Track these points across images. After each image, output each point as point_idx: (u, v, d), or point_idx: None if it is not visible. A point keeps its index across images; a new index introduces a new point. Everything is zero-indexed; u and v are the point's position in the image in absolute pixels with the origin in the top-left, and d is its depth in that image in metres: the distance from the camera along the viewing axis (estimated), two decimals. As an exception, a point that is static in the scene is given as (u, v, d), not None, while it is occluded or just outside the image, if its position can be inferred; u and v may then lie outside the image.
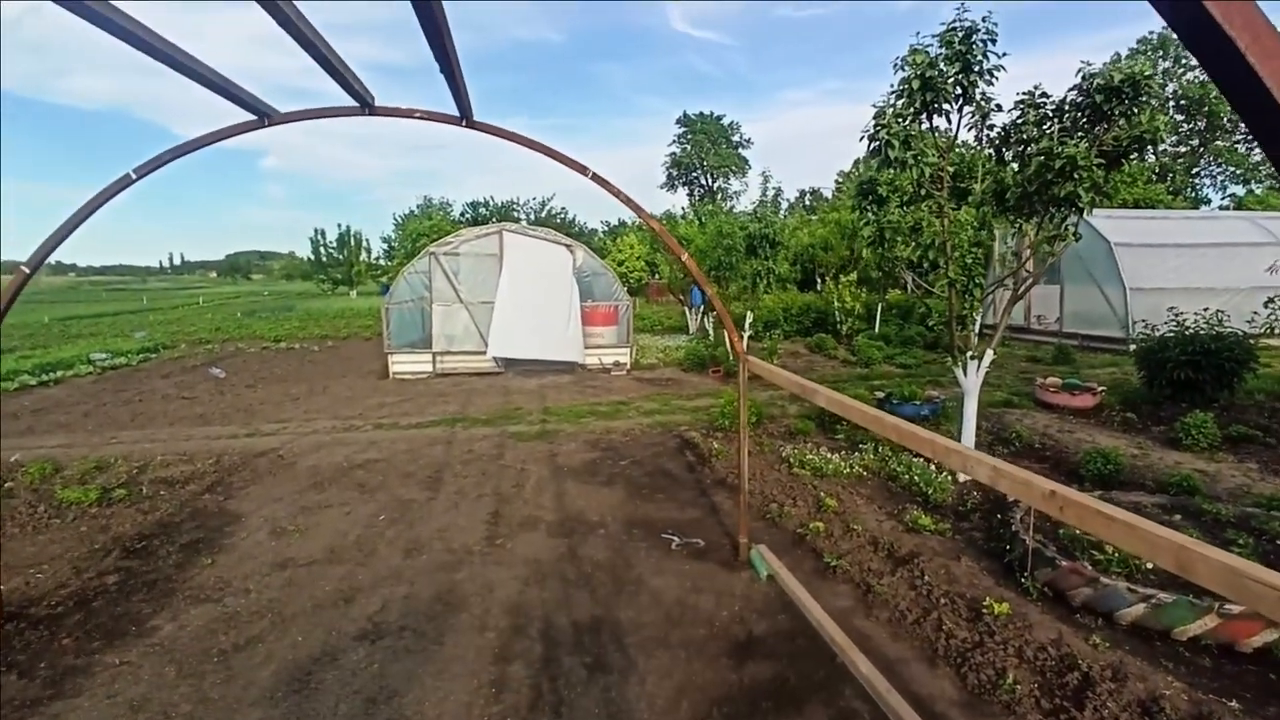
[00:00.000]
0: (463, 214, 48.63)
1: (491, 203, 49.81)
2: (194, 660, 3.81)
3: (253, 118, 4.01)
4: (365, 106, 4.09)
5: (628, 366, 13.80)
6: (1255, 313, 8.61)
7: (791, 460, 6.96)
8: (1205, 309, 9.73)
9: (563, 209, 52.00)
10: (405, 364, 13.29)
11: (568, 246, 13.75)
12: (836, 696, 3.36)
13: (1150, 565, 4.10)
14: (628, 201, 4.55)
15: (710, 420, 8.91)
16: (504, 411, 10.05)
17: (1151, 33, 40.37)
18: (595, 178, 4.52)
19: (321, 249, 54.07)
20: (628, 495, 6.35)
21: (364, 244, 54.85)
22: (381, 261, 53.31)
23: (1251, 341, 8.88)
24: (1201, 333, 9.02)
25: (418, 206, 50.31)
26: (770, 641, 3.89)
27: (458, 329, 13.49)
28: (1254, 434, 7.65)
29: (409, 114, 4.41)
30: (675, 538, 5.36)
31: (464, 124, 4.34)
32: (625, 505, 6.10)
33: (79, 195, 4.94)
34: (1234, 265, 15.08)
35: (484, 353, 13.25)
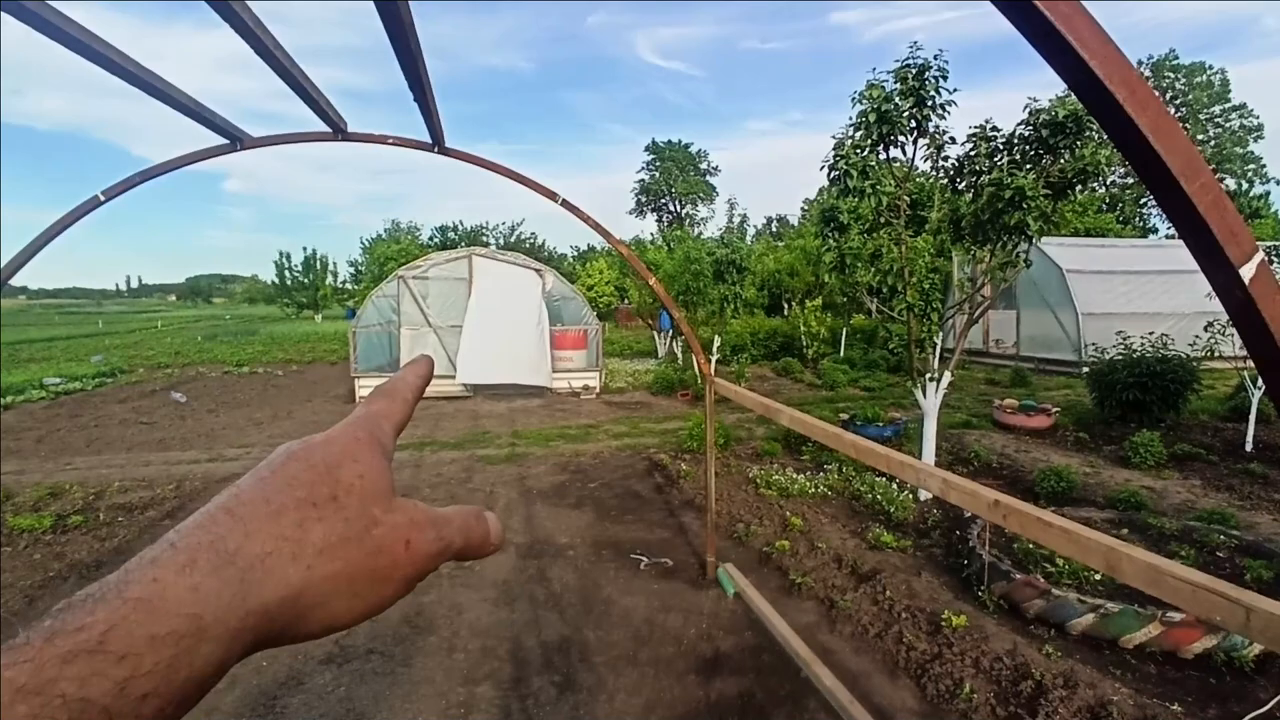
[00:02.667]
0: (431, 238, 48.54)
1: (461, 227, 49.83)
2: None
3: (224, 141, 4.05)
4: (338, 132, 4.16)
5: (597, 390, 13.86)
6: (1197, 336, 8.99)
7: (758, 481, 7.06)
8: (1151, 333, 10.14)
9: (532, 234, 52.25)
10: (372, 388, 13.14)
11: (537, 271, 13.83)
12: (801, 710, 3.43)
13: (1099, 576, 4.26)
14: (596, 226, 4.66)
15: (679, 443, 8.99)
16: (473, 435, 10.03)
17: (1099, 70, 42.07)
18: (565, 203, 4.62)
19: (286, 272, 53.46)
20: (597, 517, 6.38)
21: (330, 268, 54.34)
22: (348, 285, 52.83)
23: (1194, 364, 9.26)
24: (1148, 356, 9.40)
25: (385, 230, 50.12)
26: (737, 658, 3.96)
27: (425, 353, 13.42)
28: (1197, 452, 7.97)
29: (381, 140, 4.48)
30: (644, 558, 5.42)
31: (436, 150, 4.43)
32: (594, 527, 6.14)
33: (37, 218, 4.90)
34: (1178, 291, 15.71)
35: (453, 377, 13.21)
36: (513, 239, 50.58)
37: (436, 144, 4.37)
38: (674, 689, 3.65)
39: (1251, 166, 41.71)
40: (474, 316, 13.09)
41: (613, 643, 4.15)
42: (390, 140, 4.49)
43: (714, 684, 3.70)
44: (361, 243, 50.07)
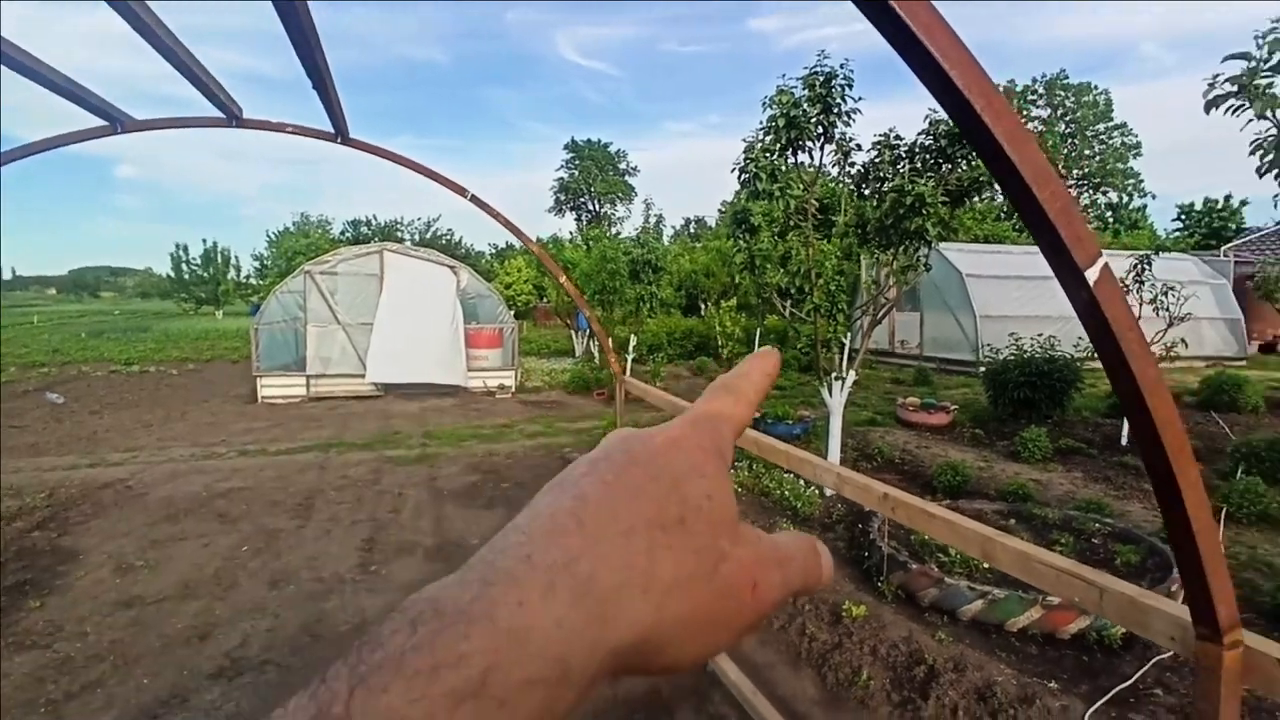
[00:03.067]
0: (343, 233, 46.76)
1: (374, 221, 48.23)
2: (17, 713, 3.45)
3: (103, 123, 3.77)
4: (231, 118, 3.93)
5: (513, 389, 13.69)
6: (1080, 338, 9.66)
7: (672, 479, 7.13)
8: (1040, 335, 10.81)
9: (449, 230, 51.08)
10: (276, 388, 12.57)
11: (452, 268, 13.54)
12: (706, 703, 3.48)
13: (986, 565, 4.50)
14: (506, 223, 4.59)
15: (593, 441, 8.93)
16: (382, 436, 9.72)
17: (1000, 84, 44.61)
18: (474, 199, 4.53)
19: (184, 265, 50.36)
20: (509, 517, 6.21)
21: (232, 261, 51.54)
22: (252, 280, 50.23)
23: (1078, 364, 9.94)
24: (1037, 356, 10.02)
25: (294, 223, 47.93)
26: (646, 655, 3.97)
27: (334, 351, 12.93)
28: (1080, 446, 8.55)
29: (280, 128, 4.27)
30: (556, 558, 5.37)
31: (339, 141, 4.25)
32: (506, 528, 6.04)
33: (-113, 198, 4.46)
34: (1065, 296, 16.81)
35: (362, 376, 12.77)
36: (428, 235, 49.32)
37: (339, 134, 4.19)
38: (582, 689, 3.63)
39: (1131, 181, 45.09)
40: (385, 314, 12.70)
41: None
42: (289, 129, 4.28)
43: (621, 681, 3.70)
44: (268, 236, 47.72)
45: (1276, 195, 3.02)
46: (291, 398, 12.54)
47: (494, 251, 47.44)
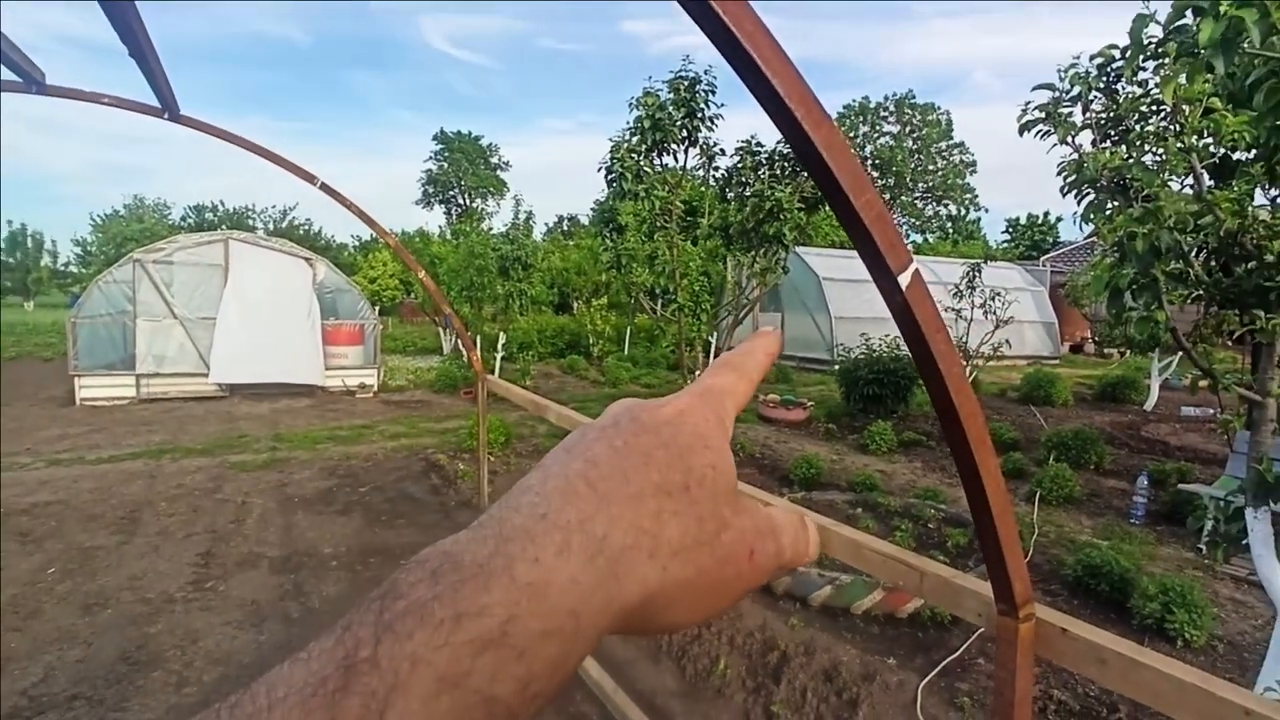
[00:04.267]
0: (184, 219, 42.87)
1: (221, 208, 44.56)
2: None
3: None
4: (30, 83, 3.48)
5: (375, 388, 13.06)
6: (921, 339, 10.51)
7: (539, 478, 7.06)
8: (887, 335, 11.62)
9: (307, 220, 47.99)
10: (98, 388, 11.28)
11: (307, 260, 12.72)
12: (568, 703, 3.46)
13: (836, 552, 4.78)
14: (360, 214, 4.36)
15: (458, 442, 8.73)
16: (225, 440, 8.97)
17: (855, 100, 47.74)
18: (324, 187, 4.27)
19: (-16, 250, 44.27)
20: (366, 523, 5.99)
21: (47, 246, 45.90)
22: (73, 269, 44.99)
23: (919, 362, 10.77)
24: (885, 355, 10.77)
25: (126, 207, 43.37)
26: (508, 659, 3.90)
27: (170, 348, 11.78)
28: (920, 439, 9.27)
29: (95, 98, 3.84)
30: (416, 564, 5.17)
31: (166, 116, 3.88)
32: (363, 534, 5.75)
33: None
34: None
35: (205, 375, 11.73)
36: (284, 225, 46.15)
37: (167, 109, 3.82)
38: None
39: (969, 196, 49.45)
40: (231, 308, 11.73)
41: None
42: (106, 100, 3.85)
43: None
44: (93, 219, 42.82)
45: (1075, 213, 3.39)
46: (118, 399, 11.31)
47: (358, 244, 45.10)
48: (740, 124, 6.98)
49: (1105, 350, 21.73)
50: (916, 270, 1.04)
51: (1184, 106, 2.99)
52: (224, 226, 40.47)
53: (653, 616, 0.28)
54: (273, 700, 0.20)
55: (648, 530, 0.27)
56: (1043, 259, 29.17)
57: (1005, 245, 41.67)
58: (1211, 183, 3.44)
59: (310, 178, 4.27)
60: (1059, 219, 41.63)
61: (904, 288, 1.03)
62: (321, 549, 5.43)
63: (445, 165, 55.02)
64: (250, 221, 44.78)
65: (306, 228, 47.18)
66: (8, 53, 3.20)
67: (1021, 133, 3.46)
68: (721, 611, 0.32)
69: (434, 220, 55.36)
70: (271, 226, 45.47)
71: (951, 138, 49.68)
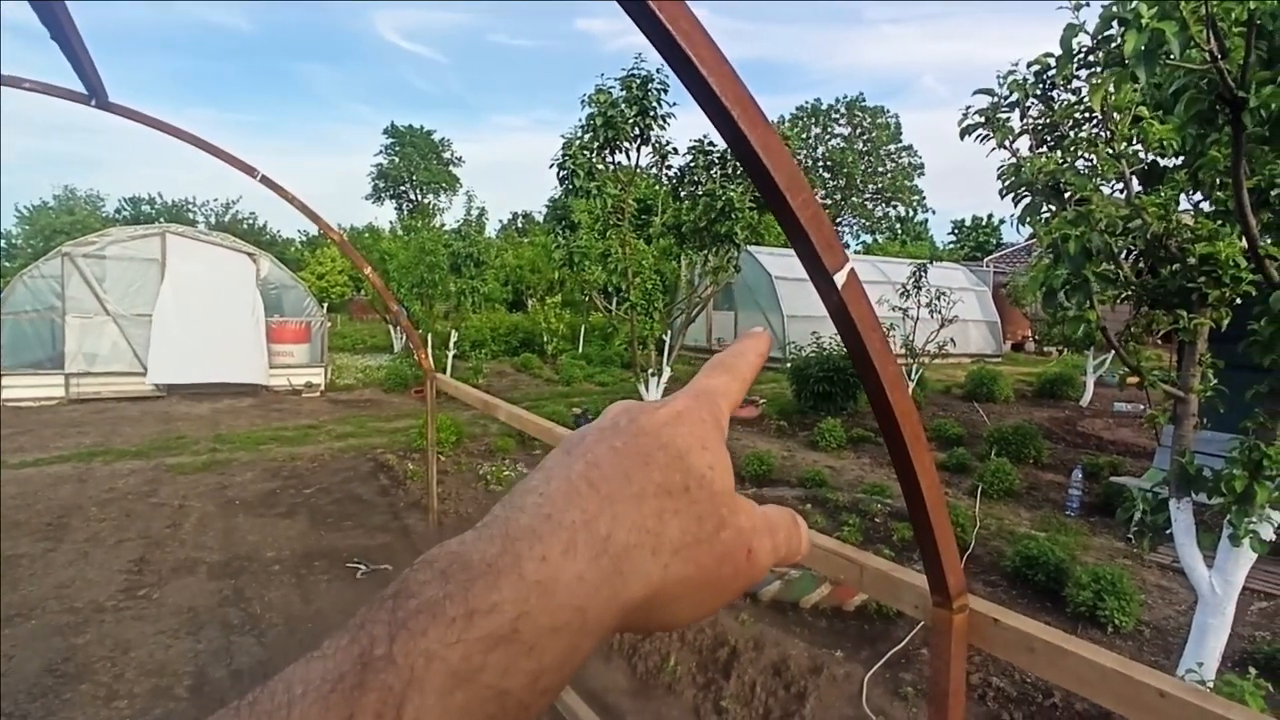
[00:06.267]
0: (119, 211, 41.12)
1: (160, 201, 42.86)
2: None
3: None
4: (-58, 65, 3.29)
5: (321, 387, 12.74)
6: (869, 337, 10.73)
7: (489, 477, 6.99)
8: (837, 333, 11.83)
9: (251, 214, 46.53)
10: (23, 389, 10.72)
11: (250, 255, 12.34)
12: (518, 705, 3.44)
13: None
14: (303, 208, 4.24)
15: (408, 441, 8.57)
16: (162, 441, 8.64)
17: (807, 102, 48.41)
18: (265, 180, 4.14)
19: (-106, 240, 41.76)
20: (311, 525, 5.84)
21: (-34, 239, 43.52)
22: (-3, 262, 42.77)
23: (867, 360, 10.99)
24: (835, 353, 10.96)
25: (55, 198, 41.36)
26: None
27: (103, 347, 11.29)
28: (868, 435, 9.46)
29: (14, 83, 3.64)
30: (362, 565, 5.06)
31: (94, 104, 3.71)
32: (307, 536, 5.61)
33: None
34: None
35: (141, 374, 11.28)
36: (226, 219, 44.65)
37: (94, 96, 3.65)
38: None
39: (917, 197, 50.65)
40: (169, 305, 11.31)
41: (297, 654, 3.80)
42: (28, 85, 3.66)
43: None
44: (19, 211, 40.73)
45: (1012, 214, 3.50)
46: (45, 400, 10.80)
47: (305, 239, 43.91)
48: (692, 123, 7.00)
49: (1045, 348, 22.51)
50: (852, 270, 1.05)
51: (1114, 114, 3.11)
52: (162, 220, 38.93)
53: (655, 613, 0.29)
54: (292, 697, 0.21)
55: (650, 529, 0.28)
56: (986, 260, 30.08)
57: (951, 246, 42.83)
58: (1140, 188, 3.59)
59: (250, 170, 4.13)
60: (1001, 221, 42.96)
61: (840, 287, 1.04)
62: (264, 553, 5.28)
63: (396, 160, 53.95)
64: (190, 215, 43.19)
65: (250, 222, 45.75)
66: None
67: (963, 136, 3.55)
68: (718, 608, 0.32)
69: (384, 216, 54.27)
70: (213, 220, 43.92)
71: (900, 140, 50.82)
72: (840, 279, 1.06)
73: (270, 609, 4.40)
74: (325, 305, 14.10)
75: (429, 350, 4.31)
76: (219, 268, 11.85)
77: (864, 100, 50.31)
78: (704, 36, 0.88)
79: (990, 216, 43.04)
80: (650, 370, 6.68)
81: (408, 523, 5.98)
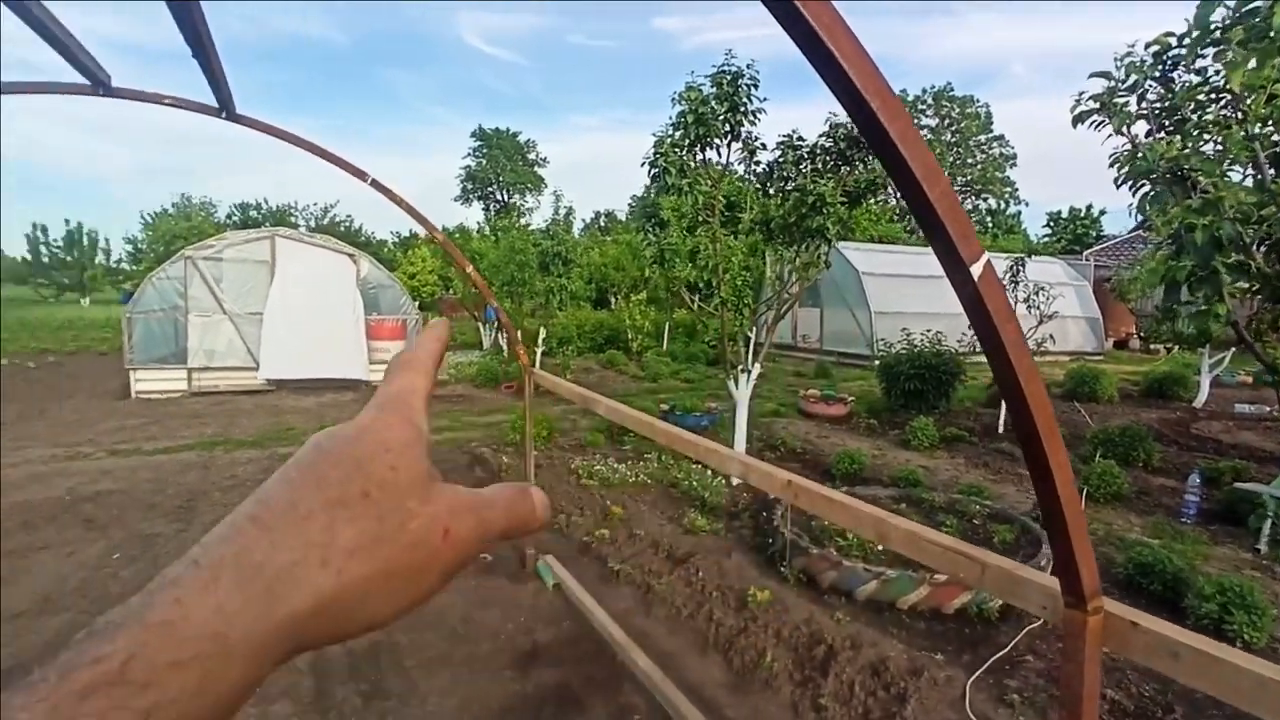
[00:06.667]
0: (229, 216, 43.98)
1: (265, 206, 45.62)
2: None
3: (-54, 87, 3.39)
4: (99, 85, 3.62)
5: (417, 383, 13.27)
6: (964, 334, 10.33)
7: (580, 472, 7.13)
8: (929, 330, 11.47)
9: (348, 217, 48.89)
10: (152, 382, 11.69)
11: (350, 256, 12.99)
12: (617, 693, 3.51)
13: (880, 547, 4.75)
14: (410, 210, 4.45)
15: (501, 435, 8.84)
16: (274, 432, 9.23)
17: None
18: (375, 184, 4.36)
19: (43, 248, 45.99)
20: (413, 514, 6.12)
21: (101, 245, 47.52)
22: (125, 266, 46.51)
23: (962, 357, 10.62)
24: (926, 350, 10.63)
25: (174, 205, 44.66)
26: (556, 648, 3.97)
27: (220, 343, 12.15)
28: (962, 434, 9.14)
29: (156, 99, 3.97)
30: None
31: (224, 116, 4.00)
32: (410, 525, 5.88)
33: None
34: (951, 294, 17.77)
35: (253, 369, 12.07)
36: (325, 221, 47.05)
37: (224, 109, 3.94)
38: (490, 685, 3.59)
39: (1008, 189, 48.40)
40: (278, 304, 12.05)
41: (425, 644, 4.00)
42: (167, 100, 3.98)
43: (531, 676, 3.68)
44: (143, 218, 44.18)
45: (1130, 205, 3.32)
46: (171, 393, 11.71)
47: (397, 240, 45.77)
48: (780, 119, 6.92)
49: (1151, 346, 21.12)
50: (988, 260, 1.05)
51: (1247, 94, 2.91)
52: (267, 223, 41.43)
53: (343, 616, 0.30)
54: None
55: (317, 543, 0.30)
56: (1086, 253, 28.41)
57: (1046, 239, 40.67)
58: (1274, 173, 3.33)
59: (361, 174, 4.37)
60: (1102, 212, 40.43)
61: (976, 278, 1.04)
62: (370, 538, 5.56)
63: (484, 161, 55.55)
64: (293, 218, 45.79)
65: (347, 224, 48.10)
66: (77, 56, 3.35)
67: (1075, 124, 3.39)
68: (431, 591, 0.34)
69: (472, 216, 55.92)
70: (313, 223, 46.43)
71: (991, 130, 48.63)
72: (976, 270, 1.06)
73: (379, 591, 4.64)
74: (416, 303, 14.66)
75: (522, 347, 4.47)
76: (323, 268, 12.53)
77: (951, 90, 48.40)
78: (844, 29, 0.90)
79: (1089, 208, 40.58)
80: (740, 367, 6.66)
81: (502, 513, 6.18)
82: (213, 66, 3.35)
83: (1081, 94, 3.39)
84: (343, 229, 46.49)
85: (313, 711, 3.37)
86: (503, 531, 0.37)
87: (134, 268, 42.17)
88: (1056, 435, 1.17)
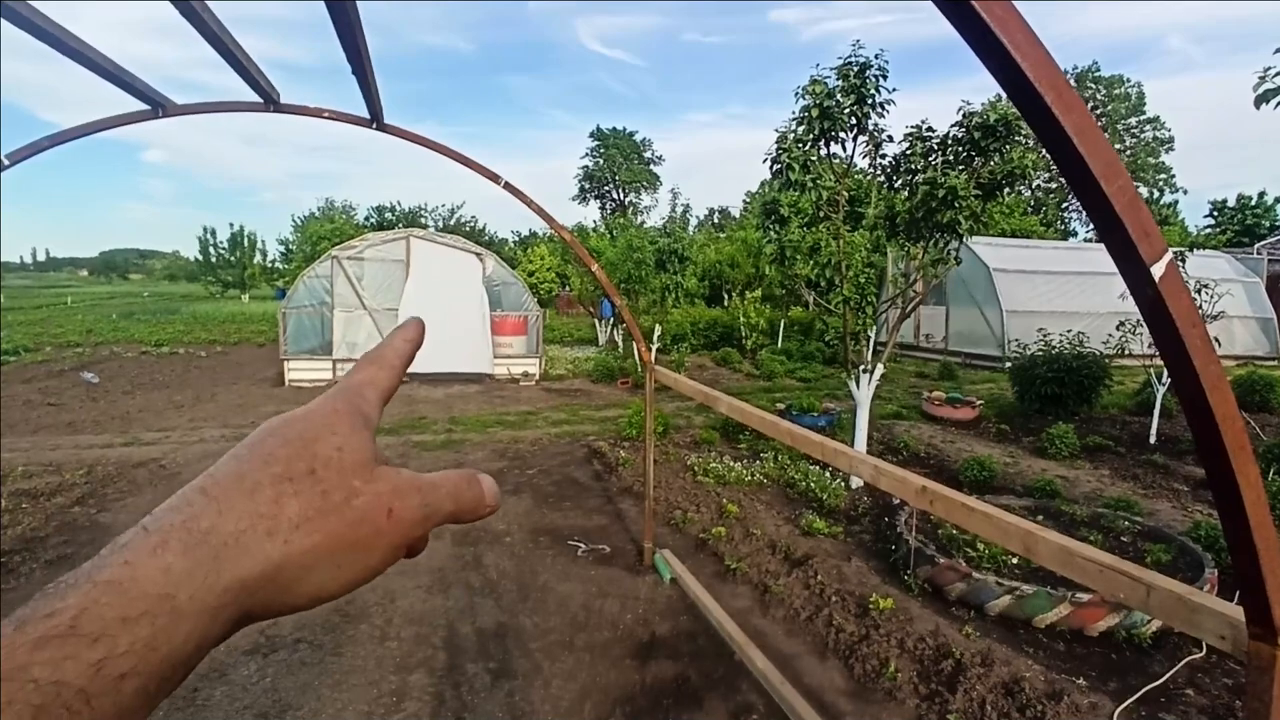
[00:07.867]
0: (367, 218, 47.13)
1: (398, 208, 48.56)
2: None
3: (145, 107, 3.83)
4: (269, 103, 3.98)
5: (537, 377, 13.76)
6: (1110, 335, 9.52)
7: (696, 468, 7.15)
8: (1069, 331, 10.66)
9: (473, 217, 51.25)
10: (303, 371, 12.75)
11: (477, 255, 13.61)
12: (734, 691, 3.51)
13: (1015, 560, 4.48)
14: (540, 211, 4.61)
15: (618, 430, 9.01)
16: (408, 421, 9.83)
17: (1028, 77, 43.91)
18: (508, 186, 4.56)
19: (211, 249, 51.06)
20: (534, 504, 6.35)
21: (259, 246, 52.19)
22: (278, 265, 50.85)
23: (1107, 361, 9.80)
24: (1065, 352, 9.90)
25: (319, 209, 48.42)
26: (672, 642, 4.01)
27: (360, 336, 13.07)
28: (1107, 444, 8.44)
29: (317, 113, 4.32)
30: (581, 544, 5.42)
31: (375, 126, 4.30)
32: (532, 513, 6.11)
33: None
34: (1094, 292, 16.56)
35: (388, 361, 12.88)
36: (452, 221, 49.53)
37: (375, 120, 4.23)
38: (610, 673, 3.68)
39: (1163, 176, 44.17)
40: (411, 300, 12.81)
41: (549, 629, 4.15)
42: (326, 114, 4.33)
43: (649, 667, 3.74)
44: (293, 221, 48.24)
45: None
46: (318, 381, 12.71)
47: (517, 239, 47.56)
48: (906, 109, 6.63)
49: (1339, 350, 18.65)
50: (1172, 260, 0.98)
51: None
52: (400, 225, 44.08)
53: (290, 585, 0.32)
54: None
55: (265, 514, 0.31)
56: (1258, 246, 25.44)
57: (1209, 231, 36.74)
58: None
59: (495, 177, 4.57)
60: (1277, 200, 36.01)
61: (1157, 279, 0.97)
62: (495, 525, 5.83)
63: (601, 161, 56.67)
64: (423, 220, 48.47)
65: (472, 224, 50.41)
66: (255, 77, 3.70)
67: (1258, 104, 3.06)
68: (375, 569, 0.35)
69: (589, 215, 57.20)
70: (441, 224, 48.97)
71: (1143, 112, 44.48)
72: (1158, 270, 0.99)
73: (505, 576, 4.86)
74: (536, 300, 15.16)
75: (642, 344, 4.57)
76: (452, 266, 13.21)
77: (1097, 69, 44.65)
78: (1020, 22, 0.87)
79: (1261, 195, 36.24)
80: (862, 366, 6.46)
81: (621, 507, 6.30)
82: (368, 80, 3.61)
83: (1268, 70, 3.05)
84: (468, 229, 48.81)
85: (446, 683, 3.57)
86: (450, 515, 0.38)
87: (285, 267, 46.03)
88: (1248, 451, 1.08)
